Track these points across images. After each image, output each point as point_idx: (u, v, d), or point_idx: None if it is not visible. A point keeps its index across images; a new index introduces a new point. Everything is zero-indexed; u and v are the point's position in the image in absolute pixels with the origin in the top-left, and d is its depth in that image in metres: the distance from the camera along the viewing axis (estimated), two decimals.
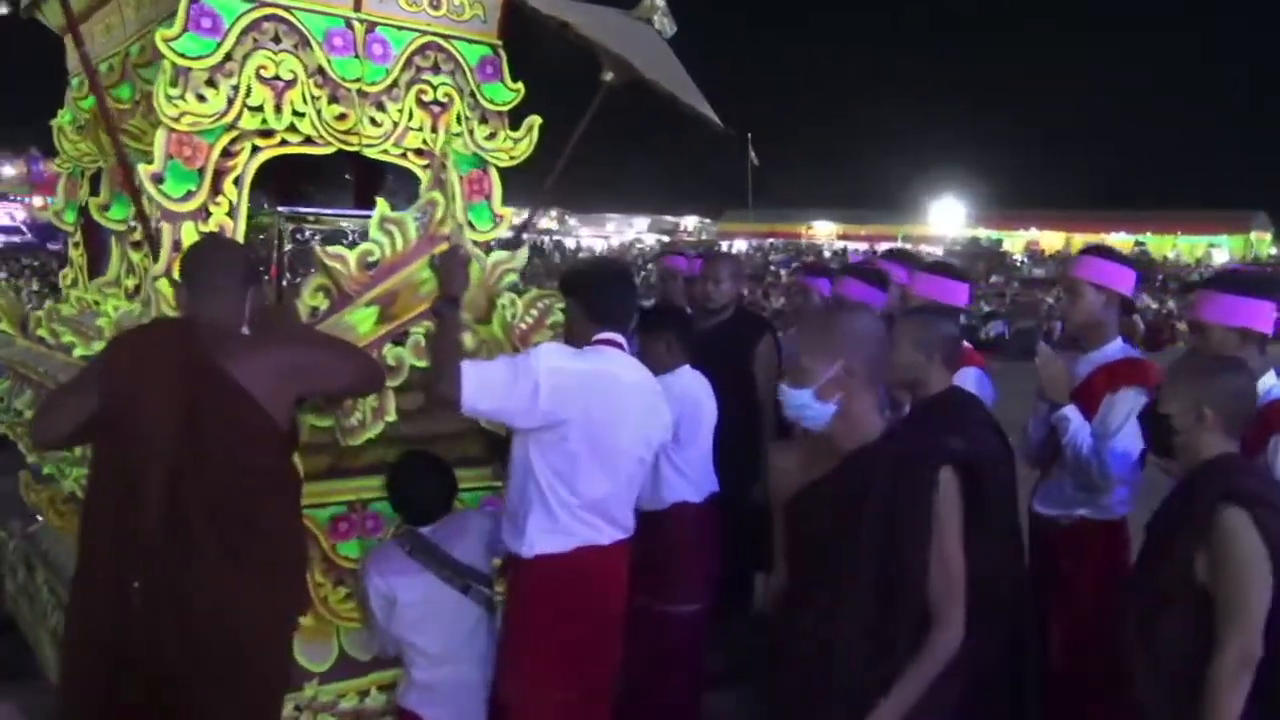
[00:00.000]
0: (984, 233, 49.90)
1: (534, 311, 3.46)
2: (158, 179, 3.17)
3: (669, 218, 73.07)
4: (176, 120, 3.17)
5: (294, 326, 3.00)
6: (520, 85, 3.82)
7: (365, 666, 3.37)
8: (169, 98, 3.15)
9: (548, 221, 73.58)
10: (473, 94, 3.73)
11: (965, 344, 3.90)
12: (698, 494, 3.67)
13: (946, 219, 50.97)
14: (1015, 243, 48.45)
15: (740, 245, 48.63)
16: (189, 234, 3.23)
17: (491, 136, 3.77)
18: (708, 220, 70.73)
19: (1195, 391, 2.49)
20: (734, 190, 61.44)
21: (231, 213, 3.31)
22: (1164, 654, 2.34)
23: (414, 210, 3.24)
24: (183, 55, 3.19)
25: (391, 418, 3.05)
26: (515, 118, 3.85)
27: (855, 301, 3.94)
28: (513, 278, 3.42)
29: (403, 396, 3.12)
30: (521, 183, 4.00)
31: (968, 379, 3.64)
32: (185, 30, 3.20)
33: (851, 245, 47.47)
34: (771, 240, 50.51)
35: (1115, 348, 3.46)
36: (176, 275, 3.13)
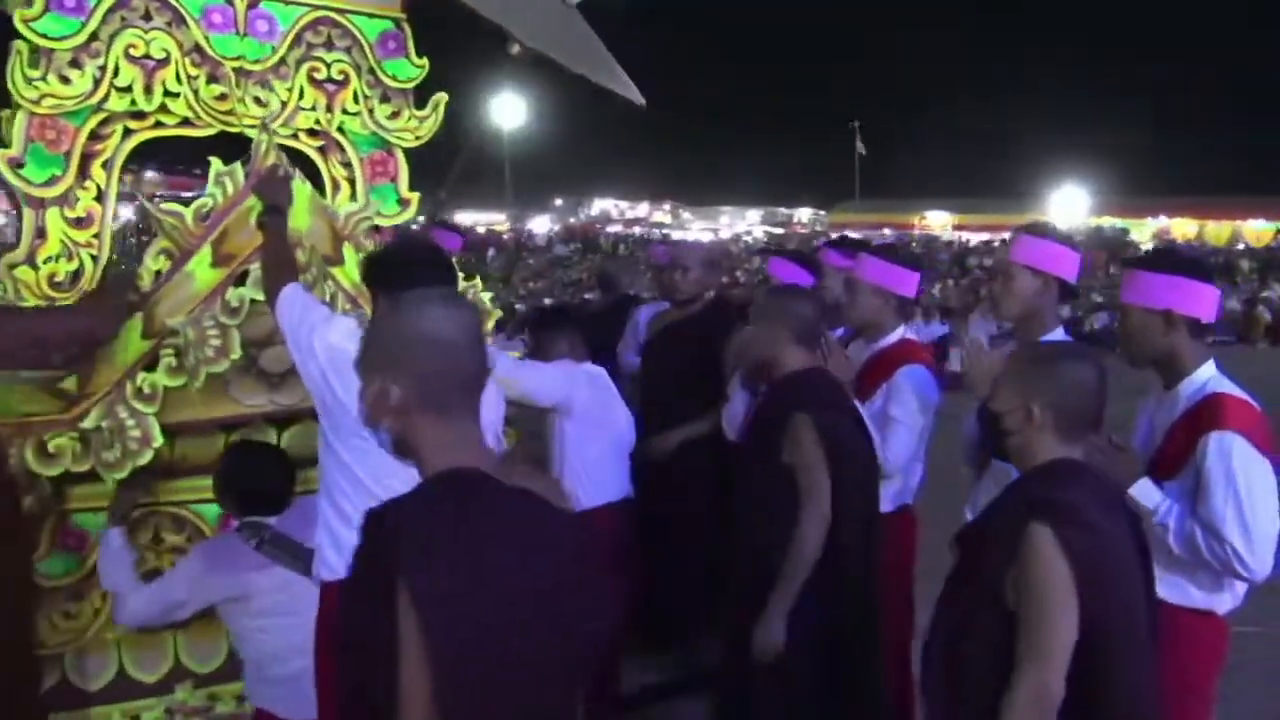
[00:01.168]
0: (1109, 221, 47.54)
1: None
2: (16, 164, 3.08)
3: (782, 210, 72.14)
4: (36, 103, 3.08)
5: None
6: (425, 61, 3.62)
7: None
8: (28, 80, 3.06)
9: (660, 215, 73.73)
10: (372, 71, 3.55)
11: (912, 339, 3.58)
12: (594, 499, 3.43)
13: (1068, 207, 48.81)
14: (1143, 232, 46.05)
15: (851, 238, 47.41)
16: (54, 220, 3.14)
17: (394, 116, 3.58)
18: (821, 212, 69.64)
19: (1023, 386, 2.13)
20: (848, 181, 60.33)
21: (100, 197, 3.21)
22: (965, 679, 2.01)
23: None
24: (44, 36, 3.10)
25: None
26: (424, 96, 3.66)
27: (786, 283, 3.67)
28: (368, 224, 3.36)
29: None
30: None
31: (914, 377, 3.39)
32: (47, 10, 3.10)
33: (968, 236, 45.83)
34: (885, 231, 49.41)
35: (1054, 338, 3.06)
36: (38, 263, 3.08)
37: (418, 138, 3.62)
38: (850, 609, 2.86)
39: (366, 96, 3.54)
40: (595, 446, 3.54)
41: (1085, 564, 1.90)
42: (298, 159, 3.49)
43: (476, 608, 1.47)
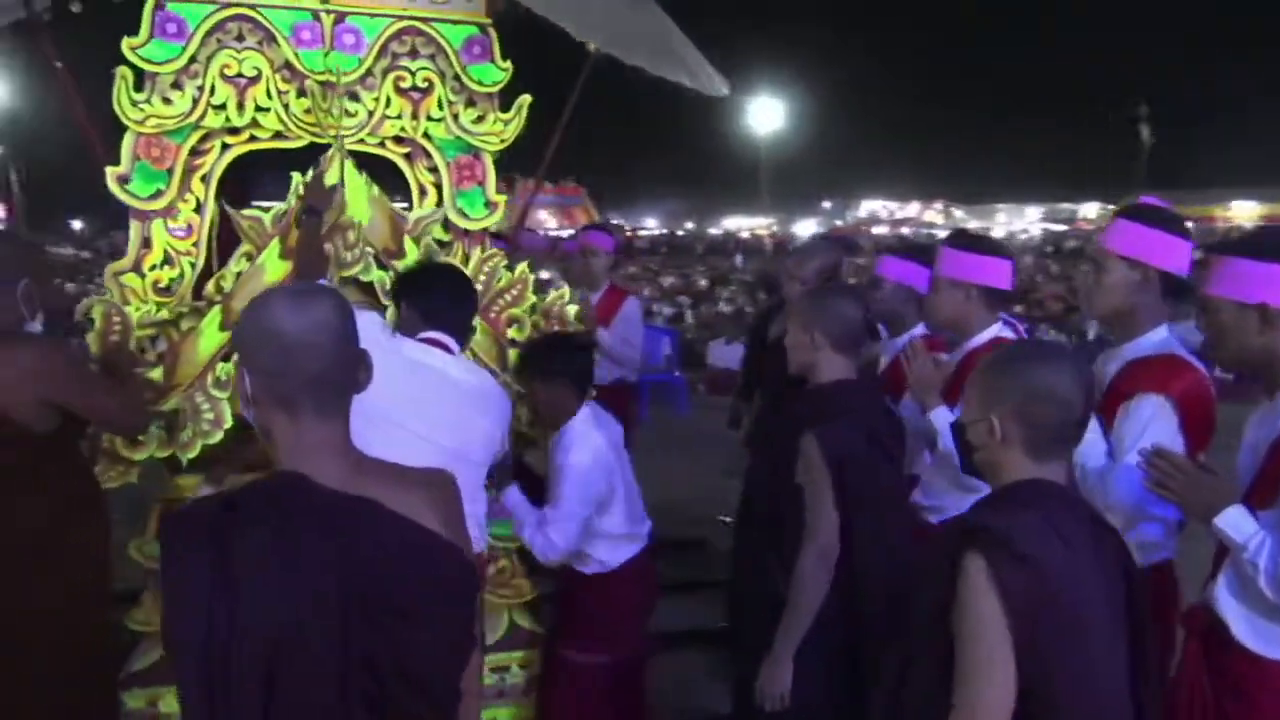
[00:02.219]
0: None
1: (482, 277, 3.47)
2: (123, 180, 3.36)
3: (1064, 205, 67.67)
4: (141, 123, 3.34)
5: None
6: (509, 64, 3.64)
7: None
8: (133, 102, 3.33)
9: (931, 214, 71.17)
10: (457, 77, 3.61)
11: (1007, 337, 3.21)
12: (622, 554, 3.32)
13: None
14: None
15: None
16: (158, 230, 3.40)
17: (480, 120, 3.62)
18: (1110, 207, 64.67)
19: (984, 395, 1.82)
20: (1139, 171, 55.67)
21: (199, 209, 3.44)
22: (909, 713, 1.74)
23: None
24: (150, 61, 3.36)
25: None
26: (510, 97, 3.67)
27: None
28: (437, 231, 3.50)
29: None
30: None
31: None
32: (151, 37, 3.37)
33: None
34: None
35: (1153, 340, 2.65)
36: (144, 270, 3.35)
37: (502, 140, 3.64)
38: (873, 642, 2.58)
39: (451, 102, 3.59)
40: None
41: (1020, 603, 1.61)
42: (382, 163, 3.62)
43: (244, 611, 1.44)
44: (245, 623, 1.47)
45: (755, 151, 40.27)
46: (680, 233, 62.18)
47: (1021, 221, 66.23)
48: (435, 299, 2.88)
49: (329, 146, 3.51)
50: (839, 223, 64.21)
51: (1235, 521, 2.13)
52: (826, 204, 73.41)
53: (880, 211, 73.26)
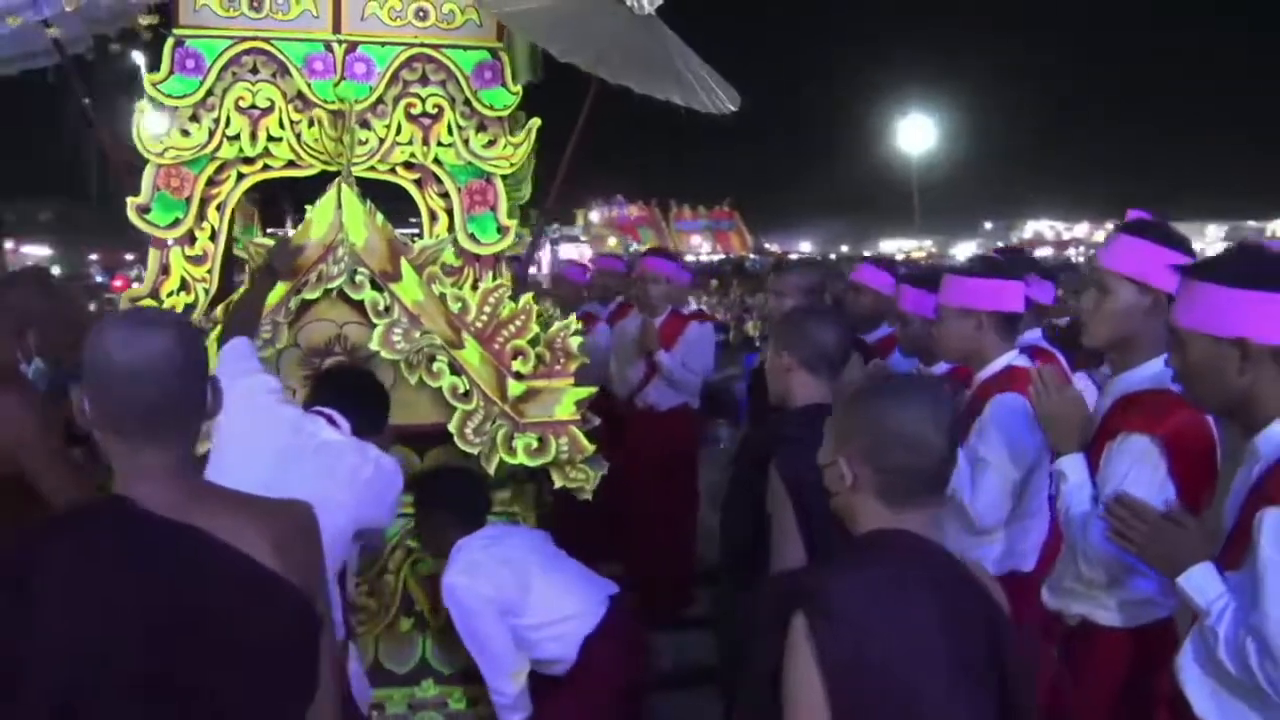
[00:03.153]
0: None
1: (487, 308, 3.45)
2: (143, 210, 3.48)
3: (1250, 223, 63.30)
4: (160, 155, 3.46)
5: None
6: (520, 88, 3.61)
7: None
8: (154, 136, 3.45)
9: (1101, 235, 67.89)
10: (467, 102, 3.60)
11: (1021, 366, 2.96)
12: (574, 638, 3.23)
13: None
14: None
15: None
16: (176, 258, 3.51)
17: (491, 144, 3.60)
18: None
19: (836, 436, 1.63)
20: None
21: (213, 237, 3.53)
22: None
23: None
24: (170, 96, 3.48)
25: None
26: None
27: None
28: (449, 256, 3.51)
29: None
30: None
31: (1003, 409, 2.89)
32: (172, 73, 3.49)
33: None
34: None
35: (1145, 373, 2.37)
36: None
37: (511, 164, 3.61)
38: None
39: (461, 127, 3.58)
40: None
41: (838, 667, 1.43)
42: (398, 188, 3.64)
43: (38, 632, 1.43)
44: (40, 645, 1.45)
45: (907, 172, 39.42)
46: (834, 256, 61.37)
47: (1202, 241, 62.33)
48: (322, 398, 2.93)
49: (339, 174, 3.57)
50: (1001, 244, 62.03)
51: (1200, 583, 1.87)
52: (988, 225, 71.13)
53: (1046, 232, 70.40)
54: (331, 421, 2.77)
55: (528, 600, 3.16)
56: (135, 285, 3.69)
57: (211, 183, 3.53)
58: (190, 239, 3.52)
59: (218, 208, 3.54)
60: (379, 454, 2.78)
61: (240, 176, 3.55)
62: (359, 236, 3.31)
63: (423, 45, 3.59)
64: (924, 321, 3.42)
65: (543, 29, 3.15)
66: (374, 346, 3.27)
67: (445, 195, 3.64)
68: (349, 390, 2.94)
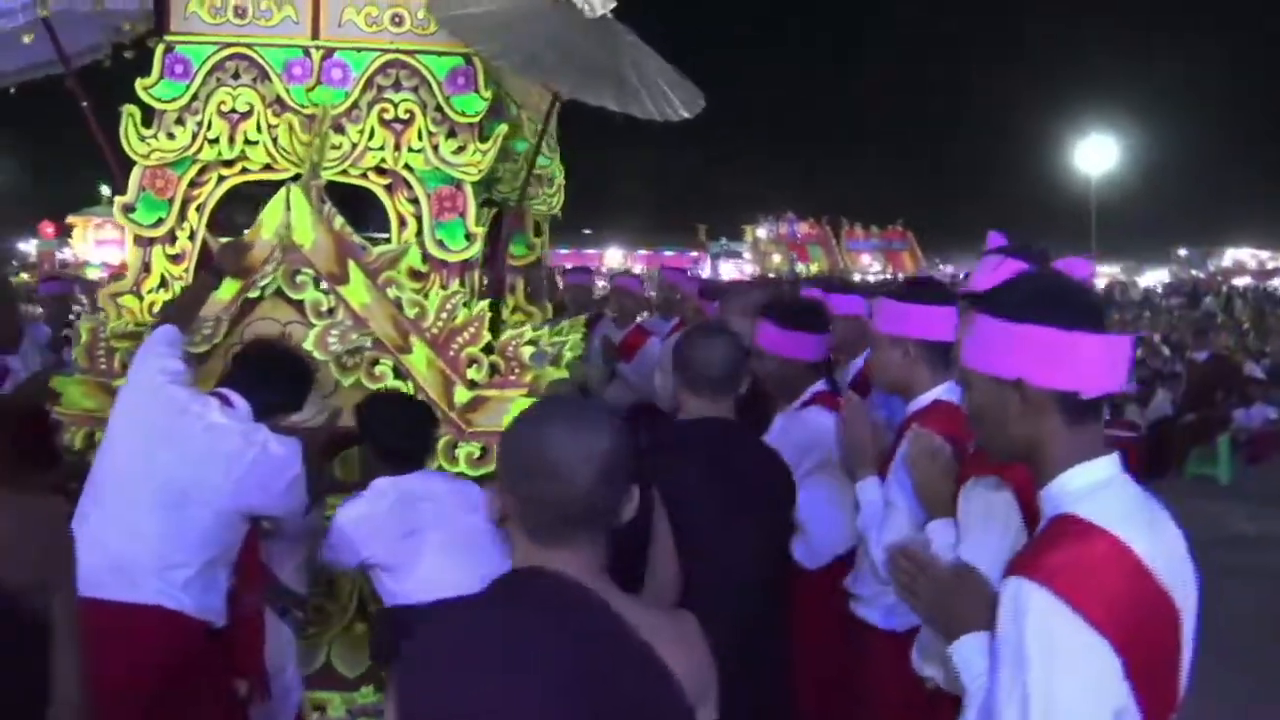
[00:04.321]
0: None
1: (444, 314, 3.43)
2: (129, 209, 3.62)
3: None
4: (146, 157, 3.60)
5: None
6: (490, 94, 3.58)
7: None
8: (141, 137, 3.59)
9: (1252, 259, 62.92)
10: (439, 108, 3.59)
11: (949, 401, 2.73)
12: None
13: None
14: None
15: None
16: (158, 256, 3.64)
17: (460, 151, 3.58)
18: None
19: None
20: None
21: (191, 236, 3.64)
22: None
23: None
24: (158, 99, 3.62)
25: None
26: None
27: None
28: (415, 259, 3.50)
29: None
30: None
31: (819, 420, 2.99)
32: (162, 78, 3.63)
33: None
34: None
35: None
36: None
37: (479, 171, 3.57)
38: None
39: (431, 133, 3.58)
40: None
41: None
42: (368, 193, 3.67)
43: None
44: None
45: (1086, 193, 37.46)
46: None
47: None
48: (237, 374, 2.94)
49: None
50: (1197, 273, 58.31)
51: (967, 655, 1.64)
52: (1182, 251, 66.92)
53: (1248, 261, 65.68)
54: (227, 402, 2.77)
55: (410, 572, 2.95)
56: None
57: (193, 184, 3.64)
58: (171, 238, 3.64)
59: (197, 208, 3.64)
60: (269, 438, 2.76)
61: (221, 179, 3.65)
62: (306, 238, 3.35)
63: (398, 51, 3.61)
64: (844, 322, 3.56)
65: (476, 32, 3.11)
66: (308, 346, 3.29)
67: (415, 201, 3.63)
68: (253, 368, 2.93)
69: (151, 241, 3.64)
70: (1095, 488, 1.58)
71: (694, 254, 47.02)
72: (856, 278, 57.31)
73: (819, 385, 3.11)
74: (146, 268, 3.64)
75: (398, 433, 3.09)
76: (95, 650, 2.56)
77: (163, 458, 2.61)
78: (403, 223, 3.65)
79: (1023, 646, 1.46)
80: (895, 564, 1.80)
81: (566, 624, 1.44)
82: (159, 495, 2.59)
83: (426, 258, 3.60)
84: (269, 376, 2.90)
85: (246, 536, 2.87)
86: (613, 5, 3.19)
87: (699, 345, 2.58)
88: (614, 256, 44.50)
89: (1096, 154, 34.42)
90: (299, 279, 3.36)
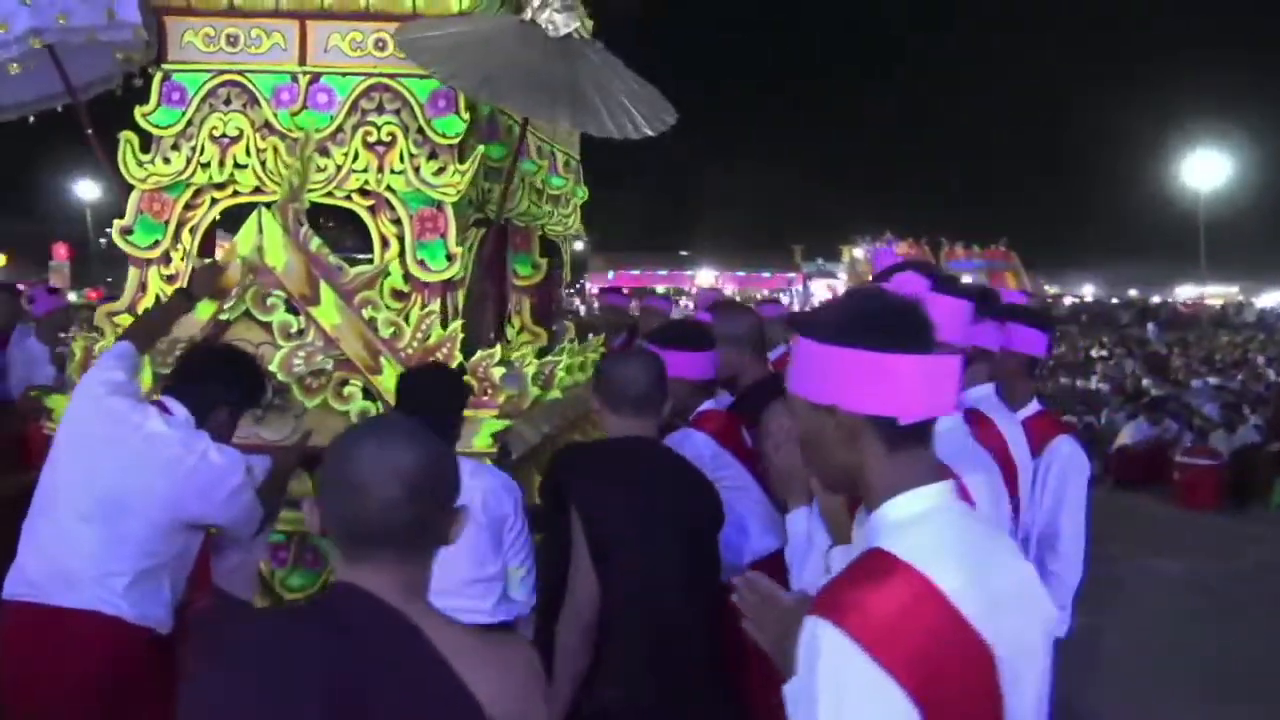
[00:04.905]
0: None
1: (419, 335, 3.45)
2: (127, 231, 3.74)
3: None
4: (144, 181, 3.72)
5: None
6: (469, 115, 3.60)
7: None
8: (138, 162, 3.71)
9: None
10: (420, 130, 3.63)
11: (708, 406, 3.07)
12: None
13: None
14: None
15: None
16: (154, 277, 3.75)
17: (440, 172, 3.60)
18: None
19: None
20: None
21: (185, 258, 3.74)
22: None
23: None
24: (156, 126, 3.74)
25: None
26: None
27: None
28: (396, 279, 3.57)
29: None
30: None
31: (690, 440, 2.95)
32: (159, 105, 3.75)
33: None
34: None
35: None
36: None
37: (458, 191, 3.59)
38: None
39: (413, 155, 3.62)
40: None
41: None
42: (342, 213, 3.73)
43: None
44: None
45: (1207, 211, 36.01)
46: (1117, 300, 57.14)
47: None
48: (177, 378, 2.96)
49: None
50: None
51: (794, 693, 1.55)
52: None
53: None
54: (167, 411, 2.79)
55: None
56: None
57: (188, 207, 3.75)
58: (166, 259, 3.74)
59: (190, 230, 3.75)
60: (210, 447, 2.74)
61: (213, 201, 3.75)
62: (278, 260, 3.40)
63: (381, 75, 3.66)
64: None
65: (432, 54, 3.13)
66: (273, 368, 3.33)
67: (398, 221, 3.67)
68: (193, 367, 2.93)
69: (148, 263, 3.75)
70: (913, 520, 1.48)
71: (789, 275, 46.55)
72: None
73: (707, 404, 3.06)
74: (143, 288, 3.75)
75: (437, 405, 2.88)
76: (38, 654, 2.64)
77: (102, 467, 2.66)
78: (385, 243, 3.69)
79: (814, 688, 1.37)
80: (740, 595, 1.72)
81: (359, 644, 1.42)
82: (98, 505, 2.64)
83: (408, 278, 3.63)
84: (209, 372, 2.89)
85: (201, 546, 2.91)
86: (575, 25, 3.18)
87: (619, 365, 2.56)
88: (706, 278, 44.30)
89: (1206, 169, 33.00)
90: (269, 301, 3.41)
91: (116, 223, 3.77)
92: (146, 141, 3.77)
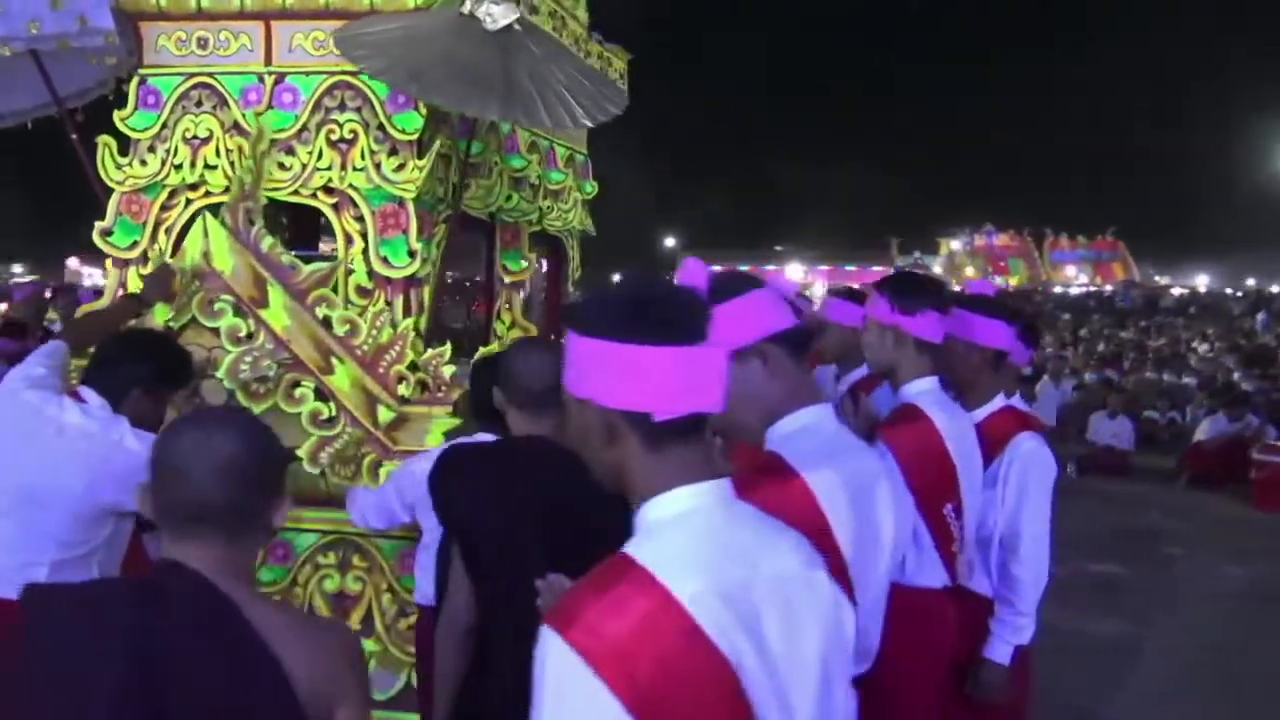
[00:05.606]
0: None
1: (374, 333, 3.47)
2: (106, 233, 3.84)
3: None
4: (121, 184, 3.81)
5: None
6: (426, 111, 3.58)
7: None
8: (117, 165, 3.81)
9: None
10: (381, 127, 3.63)
11: None
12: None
13: None
14: None
15: None
16: (132, 278, 3.83)
17: (400, 168, 3.61)
18: None
19: None
20: None
21: (160, 258, 3.81)
22: None
23: None
24: (134, 129, 3.83)
25: None
26: None
27: None
28: (361, 277, 3.58)
29: None
30: None
31: None
32: (136, 108, 3.83)
33: None
34: None
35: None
36: None
37: (416, 187, 3.59)
38: None
39: (374, 152, 3.62)
40: None
41: None
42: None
43: None
44: None
45: None
46: (1231, 291, 54.64)
47: None
48: (92, 364, 2.96)
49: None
50: None
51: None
52: None
53: None
54: (80, 399, 2.81)
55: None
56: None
57: (164, 208, 3.83)
58: (144, 259, 3.82)
59: (166, 231, 3.82)
60: (126, 434, 2.75)
61: (188, 202, 3.82)
62: (225, 264, 3.43)
63: (343, 73, 3.66)
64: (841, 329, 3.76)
65: (363, 50, 3.11)
66: (220, 374, 3.37)
67: (360, 219, 3.68)
68: (107, 352, 2.94)
69: (127, 263, 3.84)
70: (668, 522, 1.40)
71: (876, 268, 45.80)
72: (1058, 290, 54.24)
73: None
74: (123, 288, 3.84)
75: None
76: None
77: (17, 462, 2.71)
78: (349, 241, 3.71)
79: (540, 698, 1.31)
80: (543, 599, 1.67)
81: (172, 614, 1.55)
82: (13, 499, 2.70)
83: (372, 274, 3.64)
84: (118, 356, 2.90)
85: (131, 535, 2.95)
86: (514, 16, 3.13)
87: (523, 356, 2.46)
88: (795, 272, 43.88)
89: None
90: (217, 306, 3.45)
91: (98, 224, 3.87)
92: (125, 145, 3.86)
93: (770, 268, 44.60)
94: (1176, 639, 5.74)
